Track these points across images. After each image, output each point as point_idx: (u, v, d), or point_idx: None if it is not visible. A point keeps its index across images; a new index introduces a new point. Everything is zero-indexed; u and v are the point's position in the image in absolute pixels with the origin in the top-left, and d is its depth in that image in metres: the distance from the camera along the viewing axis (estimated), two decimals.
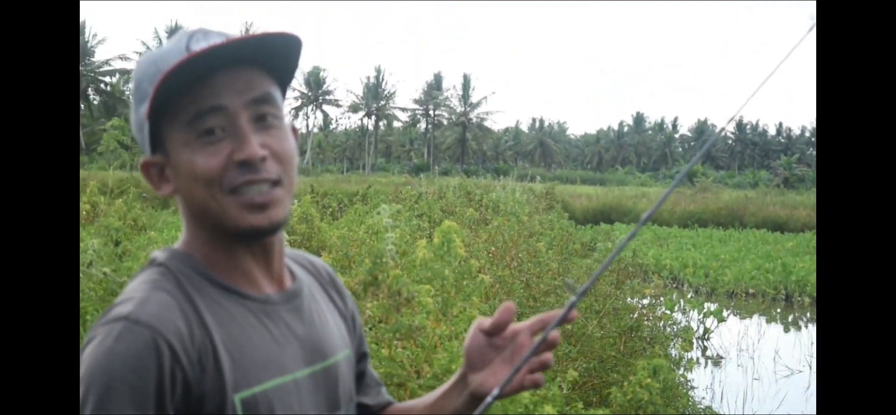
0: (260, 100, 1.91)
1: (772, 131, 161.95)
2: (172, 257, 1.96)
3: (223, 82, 1.87)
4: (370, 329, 5.24)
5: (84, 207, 6.76)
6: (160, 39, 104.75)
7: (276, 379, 1.93)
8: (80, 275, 5.51)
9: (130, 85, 2.02)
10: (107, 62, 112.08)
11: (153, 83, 1.83)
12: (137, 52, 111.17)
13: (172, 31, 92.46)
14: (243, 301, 1.96)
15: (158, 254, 1.99)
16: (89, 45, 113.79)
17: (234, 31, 2.01)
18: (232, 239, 1.95)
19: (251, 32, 1.91)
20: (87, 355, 1.78)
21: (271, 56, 1.94)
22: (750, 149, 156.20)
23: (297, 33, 1.91)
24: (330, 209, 11.80)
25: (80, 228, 6.36)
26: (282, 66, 1.98)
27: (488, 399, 2.00)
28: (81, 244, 5.97)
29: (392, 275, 5.53)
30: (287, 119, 2.00)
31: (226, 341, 1.88)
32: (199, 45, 1.86)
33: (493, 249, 10.25)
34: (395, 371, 4.83)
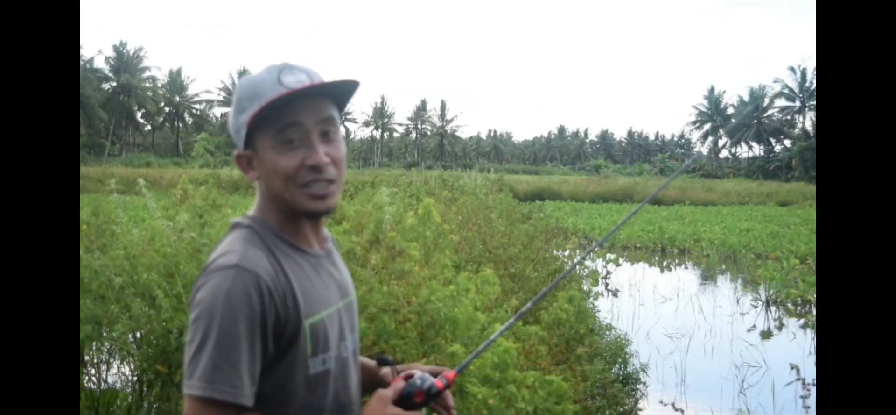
0: (326, 120, 1.99)
1: (651, 137, 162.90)
2: (254, 222, 2.01)
3: (303, 107, 1.95)
4: (375, 274, 5.21)
5: (178, 192, 6.69)
6: (234, 80, 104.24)
7: (327, 310, 2.02)
8: (175, 239, 5.50)
9: (232, 100, 2.05)
10: (196, 95, 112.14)
11: (252, 102, 1.94)
12: (218, 89, 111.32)
13: (242, 73, 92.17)
14: (303, 255, 2.03)
15: (241, 219, 2.04)
16: (185, 82, 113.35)
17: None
18: (297, 215, 2.01)
19: (318, 79, 2.01)
20: (207, 294, 1.83)
21: (337, 92, 2.03)
22: (636, 149, 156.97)
23: (356, 78, 2.01)
24: (349, 192, 11.73)
25: (175, 207, 6.33)
26: (343, 96, 2.06)
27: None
28: (176, 218, 5.96)
29: (389, 236, 5.52)
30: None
31: (297, 282, 1.94)
32: (287, 78, 1.95)
33: (460, 218, 10.23)
34: (392, 301, 4.82)
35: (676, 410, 5.44)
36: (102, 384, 5.76)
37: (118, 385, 5.78)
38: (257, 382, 1.85)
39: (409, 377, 2.11)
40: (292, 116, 1.94)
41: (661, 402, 7.10)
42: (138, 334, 5.25)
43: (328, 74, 2.02)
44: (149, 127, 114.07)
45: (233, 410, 1.79)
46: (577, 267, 14.44)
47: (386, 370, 2.28)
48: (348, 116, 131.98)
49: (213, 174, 6.87)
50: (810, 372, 9.88)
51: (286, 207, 2.00)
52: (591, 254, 20.21)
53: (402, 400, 2.05)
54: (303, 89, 1.93)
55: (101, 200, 7.20)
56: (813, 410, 4.96)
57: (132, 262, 5.54)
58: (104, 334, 5.15)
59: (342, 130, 2.11)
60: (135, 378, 5.47)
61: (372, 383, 2.25)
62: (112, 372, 6.00)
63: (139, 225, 6.23)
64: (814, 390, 5.02)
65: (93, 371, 5.88)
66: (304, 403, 1.96)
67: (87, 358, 5.77)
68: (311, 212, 2.00)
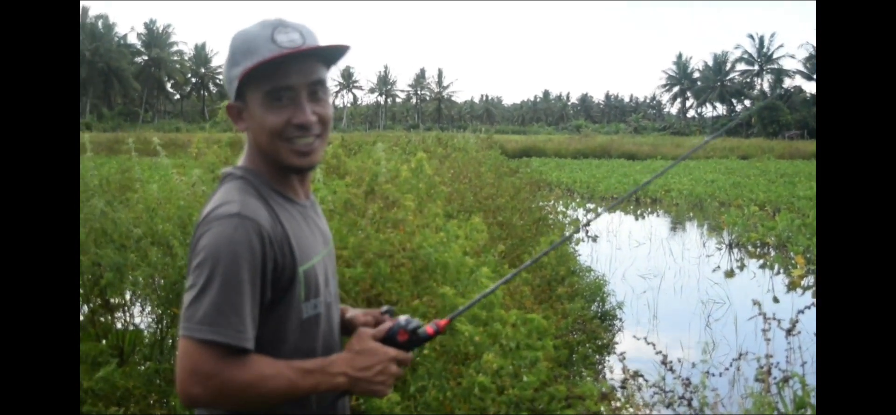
0: (315, 82, 1.86)
1: (626, 99, 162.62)
2: (247, 172, 1.89)
3: (294, 68, 1.82)
4: (372, 222, 5.07)
5: (193, 151, 6.59)
6: None
7: (316, 257, 1.92)
8: (189, 193, 5.39)
9: (227, 52, 1.90)
10: (219, 66, 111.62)
11: (245, 56, 1.81)
12: None
13: None
14: (293, 205, 1.92)
15: (233, 170, 1.92)
16: (209, 55, 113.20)
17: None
18: (284, 168, 1.89)
19: (312, 39, 1.88)
20: (211, 241, 1.71)
21: (327, 55, 1.90)
22: (613, 110, 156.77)
23: (347, 43, 1.88)
24: (353, 150, 11.58)
25: (192, 161, 6.24)
26: (332, 59, 1.93)
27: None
28: (191, 172, 5.86)
29: (384, 187, 5.37)
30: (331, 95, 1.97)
31: (291, 230, 1.84)
32: (281, 37, 1.81)
33: (452, 171, 10.08)
34: (387, 247, 4.69)
35: (649, 343, 5.32)
36: (130, 326, 5.66)
37: (142, 326, 5.70)
38: (257, 326, 1.74)
39: None
40: (283, 77, 1.81)
41: (634, 336, 6.99)
42: (158, 280, 5.16)
43: (335, 40, 1.88)
44: (177, 96, 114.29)
45: (233, 352, 1.68)
46: (565, 216, 14.35)
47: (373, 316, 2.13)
48: (356, 84, 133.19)
49: (234, 136, 6.75)
50: (769, 307, 9.80)
51: (273, 162, 1.88)
52: (597, 212, 20.17)
53: (385, 339, 1.91)
54: (294, 52, 1.80)
55: (125, 160, 7.08)
56: (772, 338, 4.86)
57: (151, 214, 5.45)
58: (126, 279, 5.07)
59: (330, 88, 1.96)
60: (154, 319, 5.39)
61: (345, 327, 2.12)
62: (137, 313, 5.90)
63: (159, 182, 6.08)
64: (774, 323, 4.90)
65: (119, 314, 5.78)
66: (296, 345, 1.84)
67: (114, 301, 5.68)
68: (296, 167, 1.88)
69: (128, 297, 5.74)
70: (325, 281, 1.96)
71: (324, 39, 1.88)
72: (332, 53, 1.90)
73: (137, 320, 5.79)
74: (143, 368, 4.74)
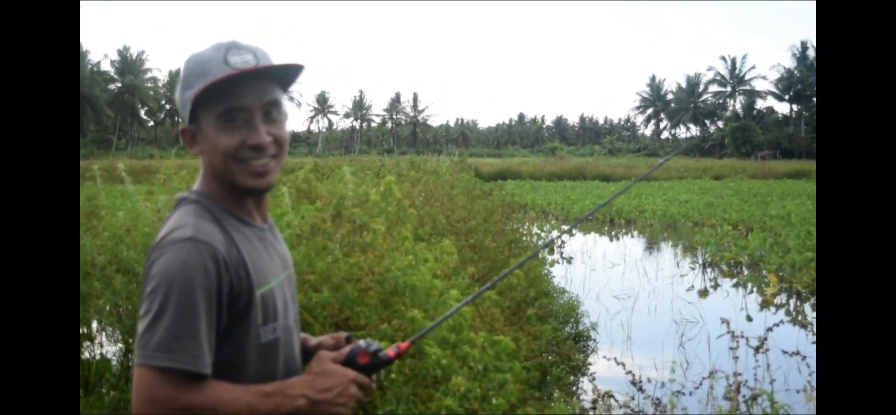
0: (270, 103, 1.84)
1: (601, 121, 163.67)
2: (201, 196, 1.86)
3: (247, 89, 1.81)
4: (343, 247, 5.04)
5: (161, 177, 6.53)
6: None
7: (274, 280, 1.89)
8: (154, 219, 5.34)
9: (181, 75, 1.90)
10: None
11: (198, 78, 1.79)
12: None
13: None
14: (250, 228, 1.89)
15: (187, 195, 1.89)
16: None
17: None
18: (239, 191, 1.87)
19: (265, 60, 1.86)
20: (164, 266, 1.68)
21: (282, 76, 1.89)
22: (588, 132, 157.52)
23: (301, 62, 1.85)
24: (326, 175, 11.54)
25: (161, 187, 6.17)
26: (288, 80, 1.91)
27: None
28: (154, 199, 5.80)
29: (352, 211, 5.35)
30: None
31: (247, 254, 1.81)
32: (234, 58, 1.80)
33: (423, 195, 10.06)
34: (355, 271, 4.66)
35: (619, 363, 5.32)
36: (97, 356, 5.59)
37: (109, 355, 5.63)
38: (214, 351, 1.72)
39: None
40: (237, 98, 1.80)
41: (604, 356, 6.98)
42: (123, 307, 5.10)
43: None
44: (151, 123, 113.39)
45: (190, 379, 1.65)
46: (539, 238, 14.35)
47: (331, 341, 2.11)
48: (331, 109, 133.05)
49: None
50: (742, 325, 9.83)
51: (228, 184, 1.86)
52: (563, 230, 20.18)
53: (346, 363, 1.89)
54: (247, 71, 1.78)
55: (90, 187, 7.01)
56: (741, 357, 4.88)
57: (116, 241, 5.40)
58: (91, 308, 5.01)
59: (286, 110, 1.93)
60: (121, 350, 5.33)
61: (308, 356, 2.08)
62: (105, 342, 5.82)
63: (127, 210, 6.03)
64: (742, 340, 4.93)
65: (87, 344, 5.70)
66: (257, 370, 1.82)
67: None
68: (251, 189, 1.85)
69: (94, 326, 5.67)
70: (285, 305, 1.94)
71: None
72: (287, 74, 1.88)
73: (105, 350, 5.72)
74: (108, 398, 4.68)
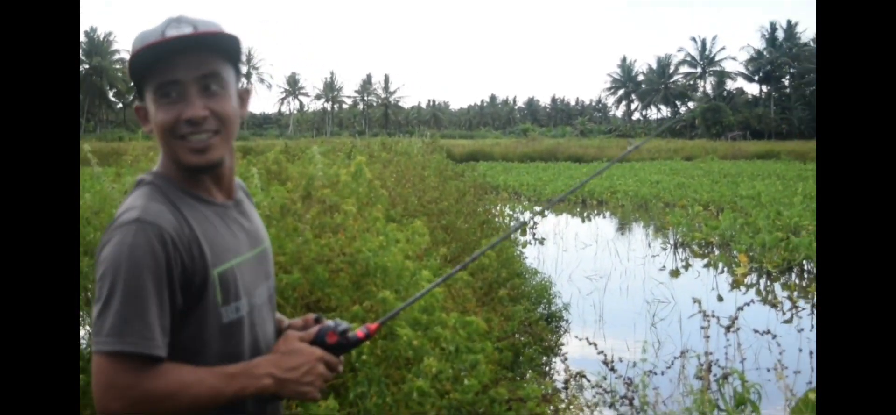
0: (207, 75, 1.76)
1: (572, 102, 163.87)
2: (156, 177, 1.81)
3: (180, 62, 1.73)
4: (313, 228, 4.99)
5: (128, 159, 6.45)
6: None
7: (236, 259, 1.83)
8: (122, 199, 5.24)
9: None
10: None
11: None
12: None
13: None
14: (209, 206, 1.84)
15: (144, 176, 1.84)
16: None
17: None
18: (185, 168, 1.80)
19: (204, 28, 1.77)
20: (111, 251, 1.63)
21: (216, 46, 1.79)
22: (559, 113, 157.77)
23: (234, 32, 1.80)
24: (296, 156, 11.46)
25: (129, 169, 6.07)
26: (228, 51, 1.82)
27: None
28: (122, 180, 5.71)
29: (322, 192, 5.30)
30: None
31: (202, 232, 1.76)
32: (170, 30, 1.72)
33: (395, 176, 10.01)
34: (325, 252, 4.62)
35: (591, 343, 5.33)
36: None
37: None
38: (169, 333, 1.67)
39: None
40: (170, 71, 1.73)
41: (576, 337, 7.00)
42: (89, 291, 5.03)
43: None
44: (120, 105, 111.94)
45: (145, 362, 1.61)
46: (511, 219, 14.35)
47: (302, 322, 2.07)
48: (302, 91, 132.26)
49: None
50: (713, 305, 9.89)
51: (174, 160, 1.81)
52: (535, 211, 20.22)
53: (314, 342, 1.86)
54: (171, 40, 1.72)
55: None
56: (712, 337, 4.90)
57: (83, 223, 5.31)
58: None
59: (233, 84, 1.85)
60: (87, 333, 5.25)
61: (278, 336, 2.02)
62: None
63: (95, 192, 5.93)
64: (713, 320, 4.95)
65: None
66: (220, 352, 1.77)
67: None
68: (192, 165, 1.79)
69: None
70: (254, 283, 1.89)
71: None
72: (227, 45, 1.81)
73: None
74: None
